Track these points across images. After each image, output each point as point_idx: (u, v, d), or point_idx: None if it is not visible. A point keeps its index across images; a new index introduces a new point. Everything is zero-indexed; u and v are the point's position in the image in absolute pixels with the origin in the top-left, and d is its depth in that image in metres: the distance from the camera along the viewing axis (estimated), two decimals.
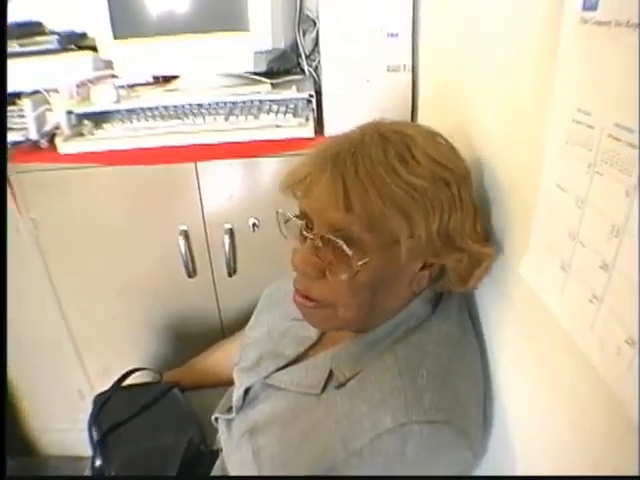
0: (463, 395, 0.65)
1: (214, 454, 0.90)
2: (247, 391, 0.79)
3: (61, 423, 1.50)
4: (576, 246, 0.45)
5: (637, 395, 0.36)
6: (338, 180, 0.59)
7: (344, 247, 0.60)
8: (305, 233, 0.64)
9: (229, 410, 0.82)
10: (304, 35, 1.36)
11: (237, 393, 0.79)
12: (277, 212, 0.69)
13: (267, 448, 0.70)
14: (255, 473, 0.71)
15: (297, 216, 0.67)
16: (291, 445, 0.68)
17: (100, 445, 0.94)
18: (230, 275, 1.22)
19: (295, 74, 1.34)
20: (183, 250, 1.18)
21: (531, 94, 0.55)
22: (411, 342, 0.67)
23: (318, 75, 1.14)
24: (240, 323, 1.10)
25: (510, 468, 0.67)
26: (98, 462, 0.93)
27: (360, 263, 0.61)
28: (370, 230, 0.60)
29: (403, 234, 0.59)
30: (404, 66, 1.05)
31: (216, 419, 0.86)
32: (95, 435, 0.96)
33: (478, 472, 0.80)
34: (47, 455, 1.60)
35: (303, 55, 1.35)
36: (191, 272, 1.22)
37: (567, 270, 0.46)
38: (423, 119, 1.08)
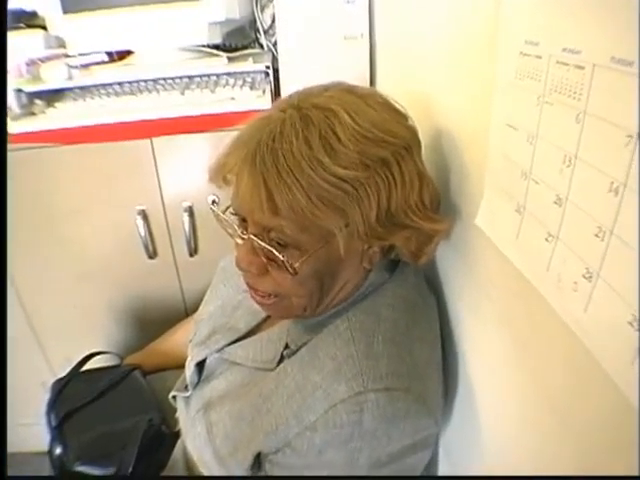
0: (422, 360, 0.63)
1: (176, 435, 0.88)
2: (201, 366, 0.77)
3: (25, 418, 1.45)
4: (529, 185, 0.43)
5: (600, 331, 0.35)
6: (259, 181, 0.54)
7: (275, 253, 0.56)
8: (239, 232, 0.61)
9: (186, 388, 0.80)
10: (263, 10, 1.32)
11: (189, 369, 0.77)
12: (212, 202, 0.65)
13: (219, 423, 0.68)
14: (209, 450, 0.69)
15: (232, 212, 0.62)
16: (243, 420, 0.66)
17: (57, 431, 0.91)
18: (191, 255, 1.19)
19: (253, 49, 1.31)
20: (142, 231, 1.16)
21: (482, 45, 0.54)
22: (364, 307, 0.65)
23: (277, 50, 1.12)
24: None
25: (475, 435, 0.66)
26: (57, 450, 0.90)
27: (297, 264, 0.57)
28: (303, 230, 0.56)
29: (337, 228, 0.55)
30: (361, 34, 1.04)
31: (174, 398, 0.83)
32: (53, 422, 0.93)
33: (441, 440, 0.79)
34: (12, 452, 1.54)
35: (261, 30, 1.32)
36: (151, 253, 1.19)
37: (522, 212, 0.45)
38: (382, 89, 1.05)
